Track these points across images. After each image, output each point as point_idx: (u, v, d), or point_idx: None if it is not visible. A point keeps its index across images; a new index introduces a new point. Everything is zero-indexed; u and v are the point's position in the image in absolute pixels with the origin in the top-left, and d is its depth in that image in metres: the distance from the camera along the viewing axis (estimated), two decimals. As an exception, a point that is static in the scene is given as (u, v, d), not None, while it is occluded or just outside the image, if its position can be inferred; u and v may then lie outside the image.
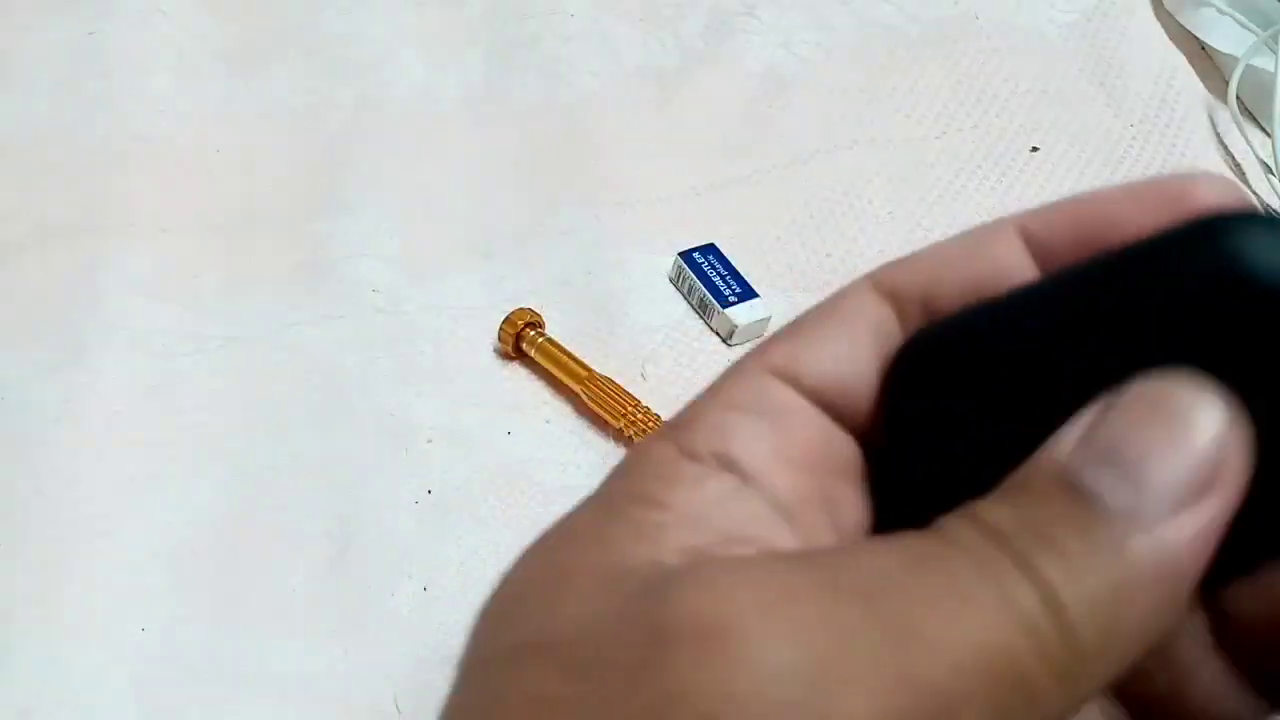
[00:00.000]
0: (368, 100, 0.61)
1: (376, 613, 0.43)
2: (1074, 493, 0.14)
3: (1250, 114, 0.62)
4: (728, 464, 0.17)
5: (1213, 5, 0.65)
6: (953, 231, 0.18)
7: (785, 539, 0.16)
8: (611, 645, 0.14)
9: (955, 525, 0.15)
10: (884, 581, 0.14)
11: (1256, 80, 0.62)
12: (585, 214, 0.56)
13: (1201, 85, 0.64)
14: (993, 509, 0.15)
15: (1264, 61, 0.61)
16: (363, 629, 0.42)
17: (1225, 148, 0.61)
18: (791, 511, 0.17)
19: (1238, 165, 0.60)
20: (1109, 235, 0.16)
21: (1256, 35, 0.62)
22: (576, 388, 0.48)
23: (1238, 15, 0.64)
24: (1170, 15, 0.67)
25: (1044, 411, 0.15)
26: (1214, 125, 0.62)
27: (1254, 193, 0.58)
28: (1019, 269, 0.17)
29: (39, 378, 0.48)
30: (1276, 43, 0.61)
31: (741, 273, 0.53)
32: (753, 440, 0.17)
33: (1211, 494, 0.13)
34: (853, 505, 0.18)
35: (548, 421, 0.48)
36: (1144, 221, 0.16)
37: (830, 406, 0.18)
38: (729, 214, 0.57)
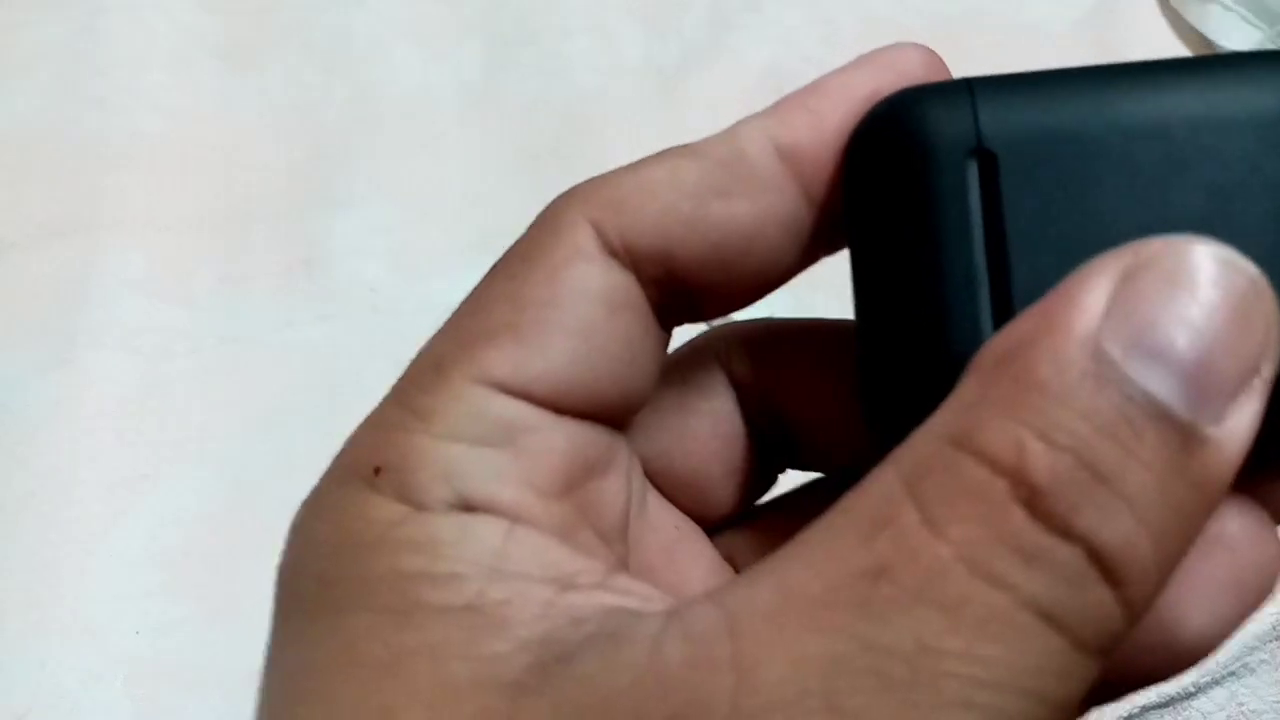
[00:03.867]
0: (364, 97, 0.61)
1: (373, 615, 0.42)
2: (1108, 390, 0.10)
3: (1256, 111, 0.62)
4: (469, 508, 0.14)
5: (1218, 1, 0.64)
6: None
7: (593, 570, 0.14)
8: None
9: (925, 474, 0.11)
10: (856, 596, 0.11)
11: (1263, 76, 0.61)
12: (585, 211, 0.55)
13: (1207, 82, 0.63)
14: (992, 439, 0.10)
15: (1270, 58, 0.61)
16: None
17: (1231, 145, 0.60)
18: (564, 536, 0.15)
19: (1244, 162, 0.59)
20: (845, 119, 0.16)
21: (1263, 31, 0.62)
22: (576, 387, 0.48)
23: (1244, 11, 0.63)
24: (1176, 11, 0.66)
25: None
26: (1220, 122, 0.61)
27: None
28: (776, 175, 0.16)
29: (32, 378, 0.48)
30: (1283, 39, 0.60)
31: (743, 271, 0.52)
32: (495, 479, 0.14)
33: (1257, 380, 0.10)
34: (614, 498, 0.16)
35: (547, 421, 0.48)
36: (869, 93, 0.16)
37: (576, 409, 0.15)
38: (730, 211, 0.56)
